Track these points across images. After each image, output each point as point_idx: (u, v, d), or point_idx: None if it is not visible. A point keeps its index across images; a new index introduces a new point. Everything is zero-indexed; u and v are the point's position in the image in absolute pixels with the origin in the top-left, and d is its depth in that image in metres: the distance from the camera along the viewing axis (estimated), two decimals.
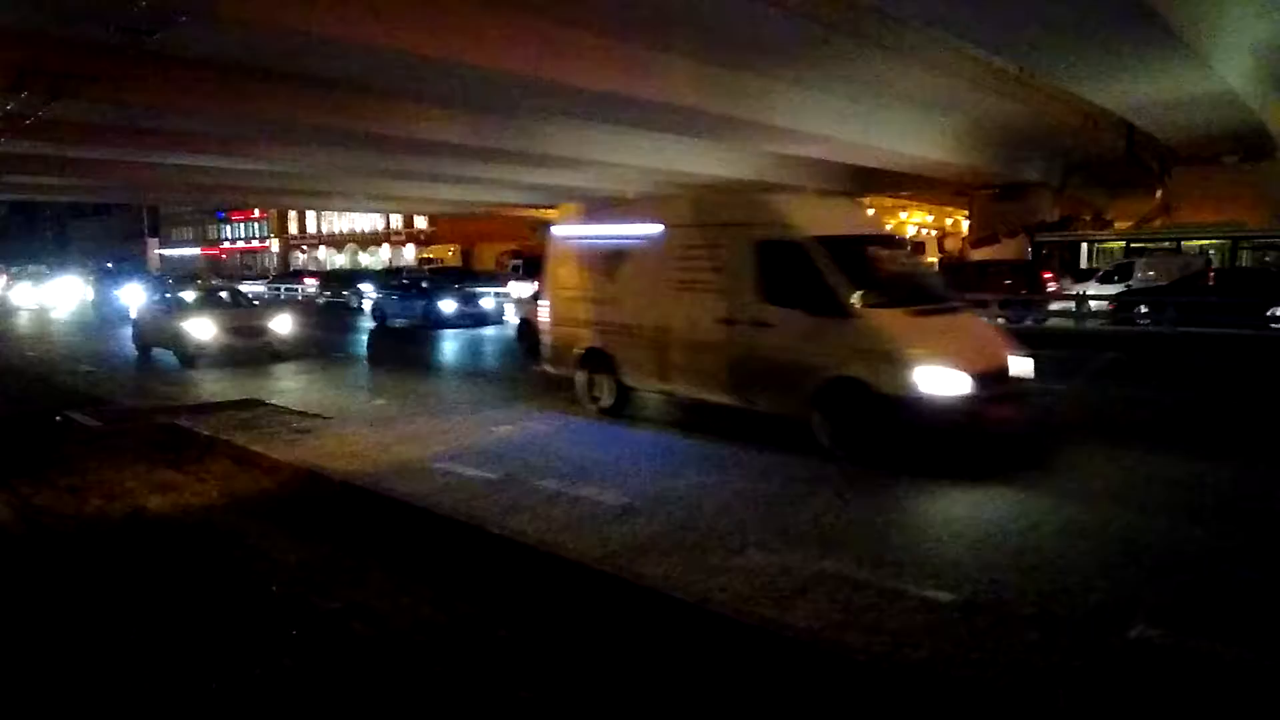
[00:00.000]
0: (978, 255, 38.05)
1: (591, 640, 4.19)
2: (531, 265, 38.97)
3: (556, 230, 11.52)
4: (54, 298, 39.48)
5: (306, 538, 5.82)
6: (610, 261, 9.70)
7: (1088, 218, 45.55)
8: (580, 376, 10.08)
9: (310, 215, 74.04)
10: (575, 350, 10.13)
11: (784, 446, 7.50)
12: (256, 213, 75.03)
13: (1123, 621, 4.04)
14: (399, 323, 26.89)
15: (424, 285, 29.14)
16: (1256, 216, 26.55)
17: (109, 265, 57.79)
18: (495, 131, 27.57)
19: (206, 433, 8.67)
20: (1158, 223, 34.50)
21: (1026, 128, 29.24)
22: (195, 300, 17.62)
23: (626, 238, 9.69)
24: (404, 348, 20.01)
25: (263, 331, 16.03)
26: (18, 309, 36.71)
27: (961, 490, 6.45)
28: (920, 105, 26.65)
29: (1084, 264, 25.92)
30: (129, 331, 19.39)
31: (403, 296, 28.78)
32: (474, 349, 20.14)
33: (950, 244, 50.84)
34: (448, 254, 60.16)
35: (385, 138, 27.13)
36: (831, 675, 3.70)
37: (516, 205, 50.89)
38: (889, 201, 52.61)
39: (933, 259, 45.80)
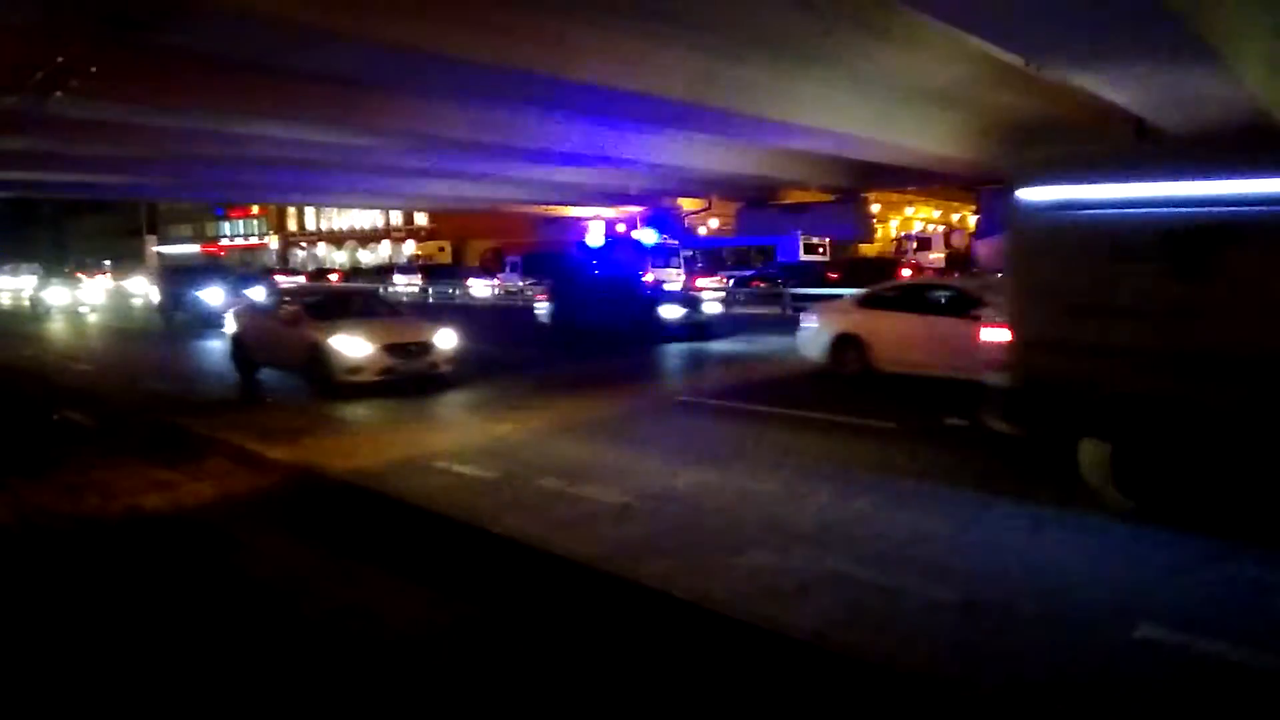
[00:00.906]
0: (983, 250, 37.84)
1: (612, 642, 4.00)
2: (532, 262, 38.58)
3: (1035, 195, 6.28)
4: (92, 296, 37.15)
5: (304, 537, 5.63)
6: (1198, 246, 5.31)
7: None
8: (1093, 451, 5.88)
9: (309, 212, 73.89)
10: (1081, 399, 5.86)
11: None
12: (255, 209, 74.88)
13: None
14: None
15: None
16: None
17: (184, 262, 54.45)
18: (495, 127, 27.40)
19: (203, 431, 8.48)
20: None
21: (1034, 121, 29.04)
22: (330, 306, 13.28)
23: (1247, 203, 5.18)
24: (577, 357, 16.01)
25: (427, 349, 11.85)
26: (51, 308, 33.58)
27: None
28: (926, 98, 26.45)
29: None
30: (217, 344, 16.64)
31: None
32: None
33: (957, 240, 50.68)
34: (438, 250, 59.96)
35: (386, 132, 26.96)
36: None
37: (517, 202, 50.75)
38: (894, 197, 52.45)
39: (939, 254, 45.63)
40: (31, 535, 5.72)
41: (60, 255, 72.81)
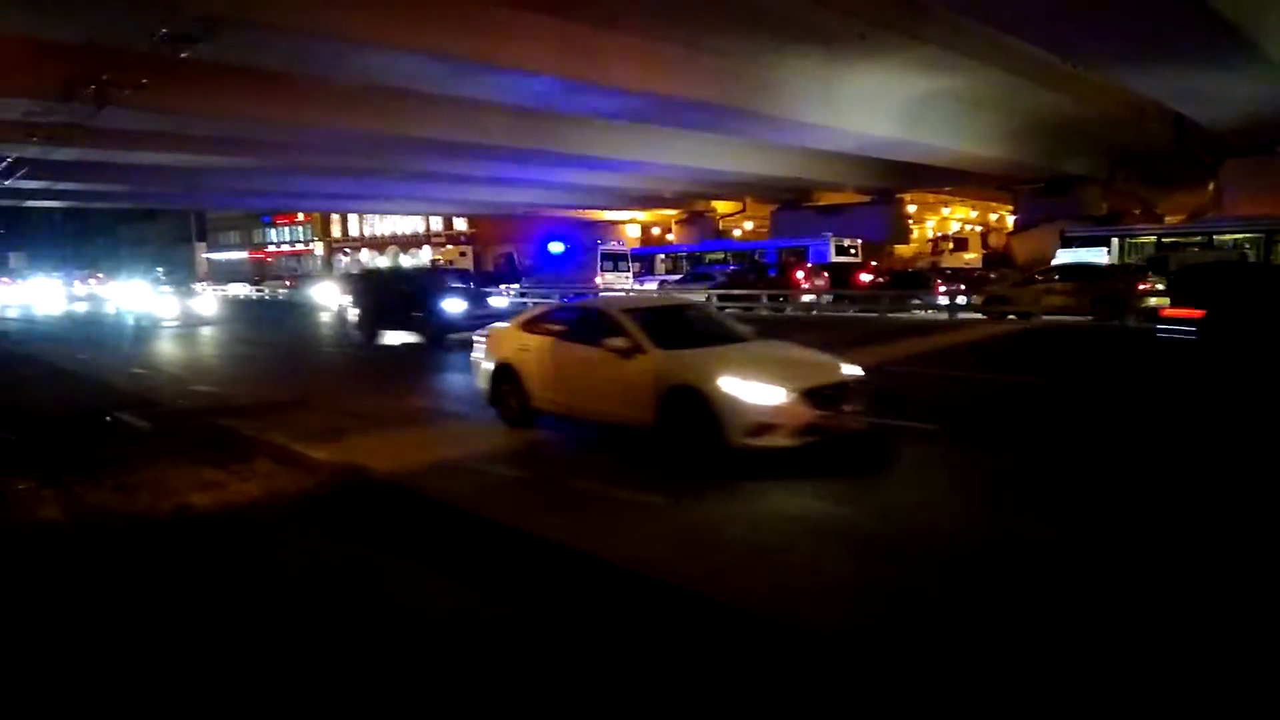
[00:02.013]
0: (1019, 247, 37.39)
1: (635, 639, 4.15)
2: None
3: None
4: (205, 306, 30.77)
5: (345, 535, 5.86)
6: None
7: (1137, 211, 44.56)
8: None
9: (353, 218, 75.11)
10: None
11: None
12: (300, 216, 76.32)
13: None
14: None
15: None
16: None
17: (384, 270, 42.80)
18: (532, 132, 27.78)
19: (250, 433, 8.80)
20: (1192, 215, 33.67)
21: (1072, 120, 28.72)
22: (668, 325, 8.33)
23: None
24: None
25: (845, 391, 7.28)
26: (163, 322, 27.29)
27: None
28: (962, 99, 26.30)
29: (1115, 260, 25.04)
30: (454, 375, 13.02)
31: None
32: None
33: (994, 240, 50.03)
34: (458, 255, 60.56)
35: (426, 139, 27.45)
36: None
37: (555, 206, 51.19)
38: (931, 197, 51.98)
39: (973, 255, 45.10)
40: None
41: (115, 262, 74.81)
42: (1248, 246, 23.21)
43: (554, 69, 19.21)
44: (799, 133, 27.17)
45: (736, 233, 53.82)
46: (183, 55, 16.50)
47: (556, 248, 41.55)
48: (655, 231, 59.76)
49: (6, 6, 14.49)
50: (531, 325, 9.16)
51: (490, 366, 9.24)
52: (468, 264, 57.40)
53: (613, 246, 39.78)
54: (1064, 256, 26.08)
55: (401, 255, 70.57)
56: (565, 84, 20.08)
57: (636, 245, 54.08)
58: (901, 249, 46.10)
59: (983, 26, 18.66)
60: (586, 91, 20.94)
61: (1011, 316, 21.72)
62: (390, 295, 19.41)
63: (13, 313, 38.95)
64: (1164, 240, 25.45)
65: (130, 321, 28.24)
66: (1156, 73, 21.24)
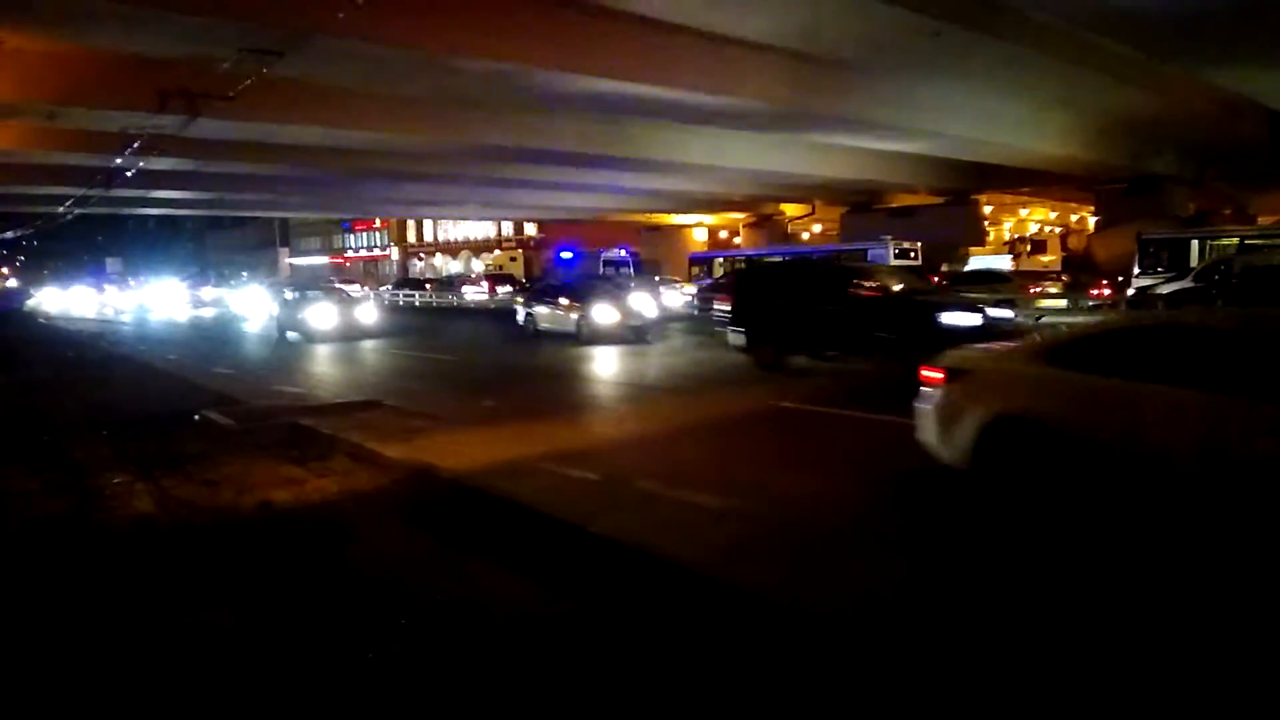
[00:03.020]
0: (1100, 249, 36.17)
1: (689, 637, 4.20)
2: None
3: None
4: (365, 315, 24.64)
5: (416, 531, 6.05)
6: None
7: (1227, 212, 42.69)
8: None
9: (427, 224, 76.89)
10: None
11: None
12: (377, 222, 78.45)
13: None
14: None
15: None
16: None
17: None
18: (599, 138, 28.05)
19: (328, 431, 9.14)
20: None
21: (1157, 118, 27.66)
22: None
23: None
24: None
25: None
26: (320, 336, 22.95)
27: None
28: (1039, 97, 25.58)
29: (1194, 262, 24.07)
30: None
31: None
32: None
33: (1074, 241, 48.50)
34: (509, 260, 61.85)
35: (495, 146, 27.96)
36: None
37: (622, 211, 51.51)
38: (1008, 199, 50.62)
39: (1052, 257, 43.82)
40: None
41: (200, 267, 78.06)
42: None
43: (629, 74, 19.41)
44: (870, 133, 26.83)
45: (805, 236, 53.30)
46: (264, 70, 17.15)
47: (566, 255, 44.68)
48: (723, 235, 59.62)
49: (103, 22, 15.25)
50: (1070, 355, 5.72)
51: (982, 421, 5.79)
52: (517, 269, 58.63)
53: (614, 254, 41.31)
54: (973, 263, 28.54)
55: (474, 259, 71.98)
56: (637, 89, 20.25)
57: (706, 249, 54.09)
58: (977, 251, 45.03)
59: (1062, 23, 18.16)
60: (658, 96, 21.07)
61: None
62: (816, 296, 13.26)
63: (126, 318, 40.32)
64: (1246, 242, 24.34)
65: (284, 335, 24.02)
66: (1248, 69, 20.35)
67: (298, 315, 23.51)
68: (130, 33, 15.86)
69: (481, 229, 71.92)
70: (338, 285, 39.16)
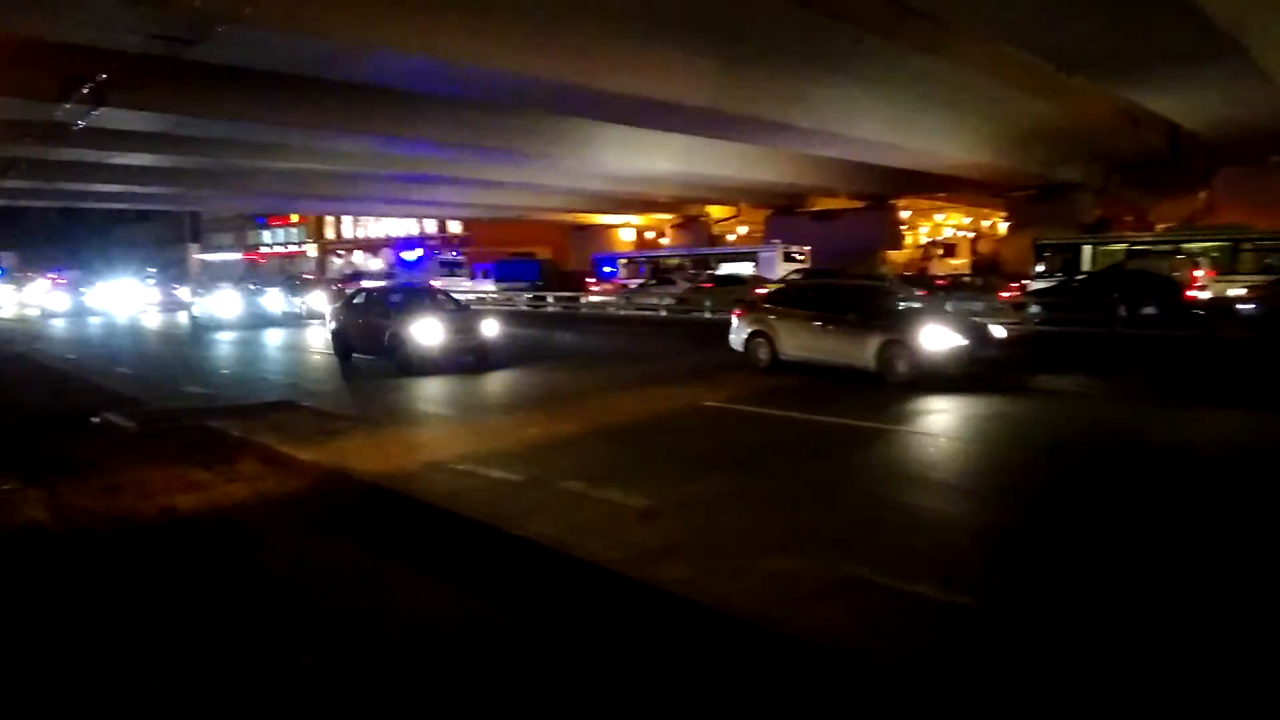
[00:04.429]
0: (1008, 254, 37.59)
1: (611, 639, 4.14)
2: (504, 269, 39.71)
3: None
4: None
5: (331, 537, 5.85)
6: None
7: (1129, 219, 44.74)
8: None
9: (346, 220, 75.06)
10: None
11: None
12: (295, 218, 76.23)
13: None
14: None
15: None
16: None
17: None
18: (525, 135, 27.79)
19: (238, 434, 8.78)
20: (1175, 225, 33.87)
21: (1066, 128, 28.81)
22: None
23: None
24: None
25: None
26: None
27: None
28: (957, 106, 26.35)
29: (1086, 266, 25.39)
30: None
31: None
32: None
33: (983, 245, 50.31)
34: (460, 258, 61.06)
35: (418, 141, 27.45)
36: None
37: (548, 210, 51.18)
38: (924, 204, 52.05)
39: (962, 260, 45.43)
40: None
41: (107, 262, 74.51)
42: (1215, 254, 23.37)
43: (548, 72, 19.22)
44: (792, 137, 27.21)
45: (731, 237, 53.89)
46: (175, 57, 16.45)
47: (410, 255, 51.49)
48: (650, 236, 59.80)
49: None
50: None
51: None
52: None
53: (449, 256, 49.86)
54: (724, 268, 30.95)
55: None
56: (559, 87, 20.09)
57: (631, 250, 54.26)
58: (895, 255, 46.22)
59: (976, 33, 18.73)
60: (579, 95, 20.95)
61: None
62: None
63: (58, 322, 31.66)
64: (1134, 249, 25.68)
65: (346, 360, 16.50)
66: (1149, 82, 21.36)
67: (393, 328, 14.81)
68: (29, 14, 15.03)
69: (405, 227, 70.56)
70: (431, 284, 27.64)
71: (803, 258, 34.99)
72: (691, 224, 53.05)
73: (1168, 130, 28.61)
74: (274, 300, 29.73)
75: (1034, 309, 21.84)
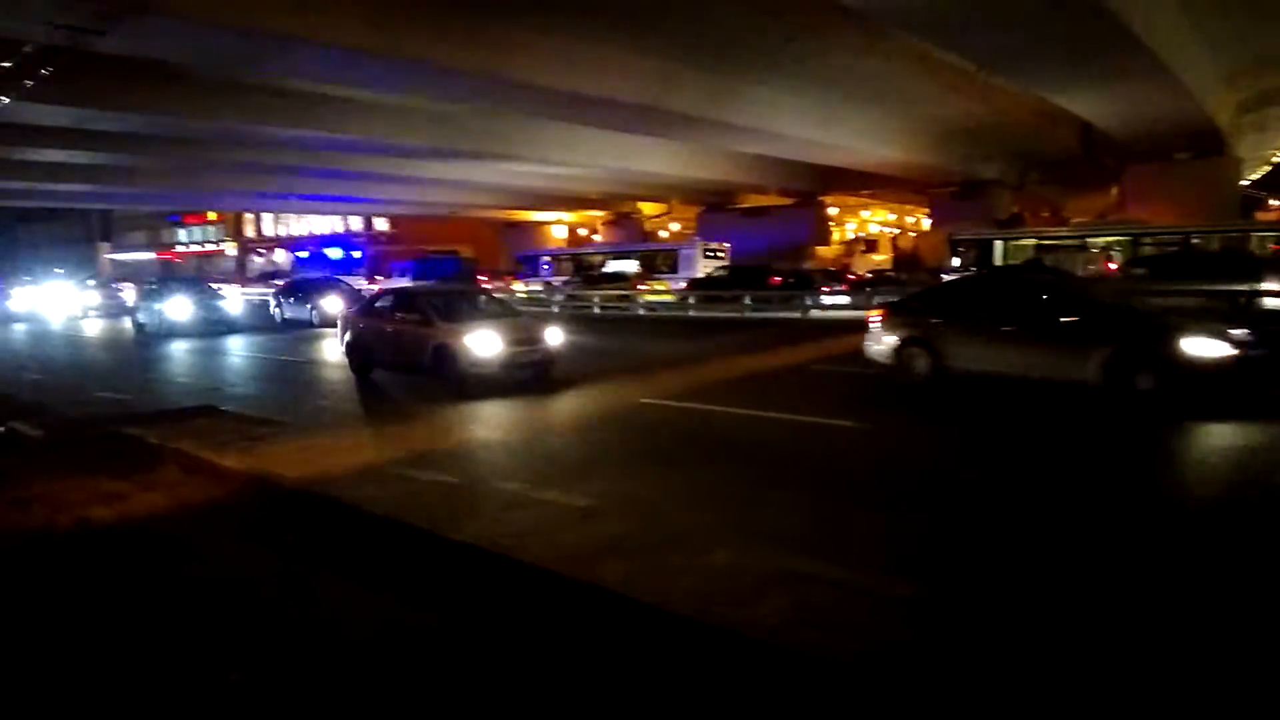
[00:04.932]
0: (927, 249, 38.66)
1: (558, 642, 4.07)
2: (423, 268, 39.55)
3: None
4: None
5: (257, 546, 5.63)
6: None
7: (1045, 214, 46.33)
8: None
9: (267, 218, 72.93)
10: None
11: None
12: (212, 216, 73.75)
13: None
14: None
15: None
16: (1211, 211, 27.18)
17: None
18: (454, 132, 27.39)
19: (155, 440, 8.41)
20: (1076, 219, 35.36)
21: (986, 127, 29.68)
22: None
23: None
24: None
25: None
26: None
27: None
28: (883, 104, 26.91)
29: (998, 261, 26.33)
30: None
31: None
32: None
33: (903, 241, 51.61)
34: (356, 256, 60.03)
35: (343, 139, 26.82)
36: None
37: (478, 207, 50.60)
38: (851, 201, 53.08)
39: (883, 256, 46.61)
40: None
41: (12, 263, 70.92)
42: (1117, 249, 24.43)
43: (479, 67, 18.96)
44: (724, 134, 27.44)
45: (664, 234, 54.08)
46: (85, 49, 15.71)
47: (334, 253, 52.35)
48: (583, 233, 59.64)
49: None
50: None
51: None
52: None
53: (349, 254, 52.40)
54: (611, 266, 33.93)
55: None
56: (490, 82, 19.84)
57: (562, 246, 54.06)
58: (823, 250, 47.02)
59: (900, 33, 19.13)
60: (511, 90, 20.73)
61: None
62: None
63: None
64: (1042, 243, 26.70)
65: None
66: (1065, 82, 22.12)
67: (439, 339, 11.84)
68: None
69: (329, 224, 68.90)
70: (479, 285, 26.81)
71: (722, 254, 35.35)
72: (624, 220, 53.07)
73: (1082, 129, 29.71)
74: (235, 302, 25.17)
75: None
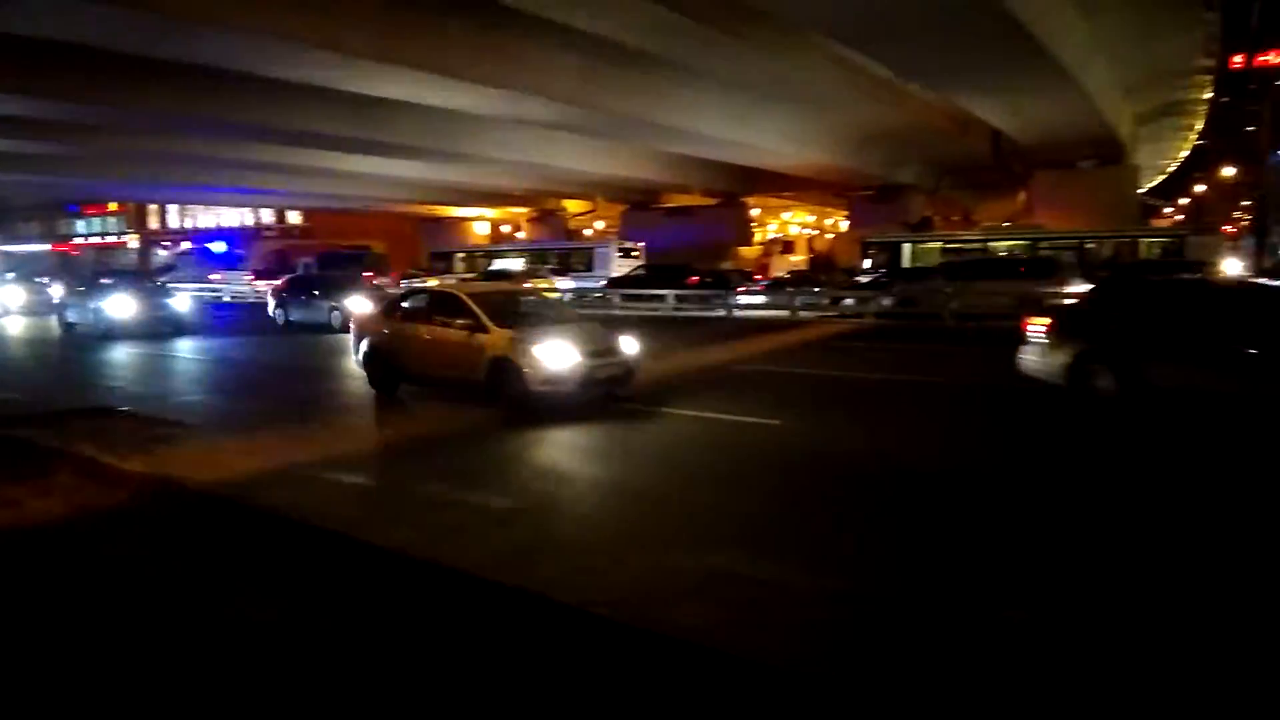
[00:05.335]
0: (842, 251, 39.57)
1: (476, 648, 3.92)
2: (326, 261, 38.74)
3: None
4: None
5: (163, 552, 5.31)
6: None
7: (956, 218, 47.83)
8: None
9: (172, 209, 69.85)
10: None
11: None
12: (113, 206, 70.26)
13: None
14: None
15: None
16: (1112, 217, 28.45)
17: None
18: (373, 123, 26.68)
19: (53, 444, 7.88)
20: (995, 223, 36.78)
21: (902, 132, 30.47)
22: None
23: None
24: None
25: None
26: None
27: None
28: (804, 108, 27.34)
29: (906, 263, 27.12)
30: None
31: None
32: None
33: (819, 243, 52.73)
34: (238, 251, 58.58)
35: (257, 128, 25.82)
36: None
37: (396, 201, 49.53)
38: (773, 202, 53.86)
39: (800, 256, 47.54)
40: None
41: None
42: (1019, 253, 25.43)
43: (399, 58, 18.51)
44: (648, 133, 27.50)
45: (588, 232, 53.91)
46: None
47: (219, 246, 52.37)
48: (506, 229, 58.98)
49: None
50: None
51: None
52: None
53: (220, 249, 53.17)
54: (497, 264, 34.37)
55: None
56: (411, 74, 19.39)
57: (487, 243, 53.38)
58: (746, 251, 47.60)
59: (820, 37, 19.43)
60: (432, 84, 20.30)
61: None
62: None
63: None
64: (948, 247, 27.67)
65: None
66: (976, 90, 22.85)
67: (497, 351, 9.85)
68: None
69: (236, 216, 66.39)
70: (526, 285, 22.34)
71: (636, 254, 35.46)
72: (548, 218, 52.70)
73: (992, 136, 30.77)
74: (183, 301, 20.89)
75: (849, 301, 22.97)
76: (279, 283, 25.61)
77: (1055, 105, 23.45)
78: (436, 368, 10.34)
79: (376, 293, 20.87)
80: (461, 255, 41.43)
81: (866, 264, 28.48)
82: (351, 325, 11.93)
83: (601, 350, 9.84)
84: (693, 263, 31.98)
